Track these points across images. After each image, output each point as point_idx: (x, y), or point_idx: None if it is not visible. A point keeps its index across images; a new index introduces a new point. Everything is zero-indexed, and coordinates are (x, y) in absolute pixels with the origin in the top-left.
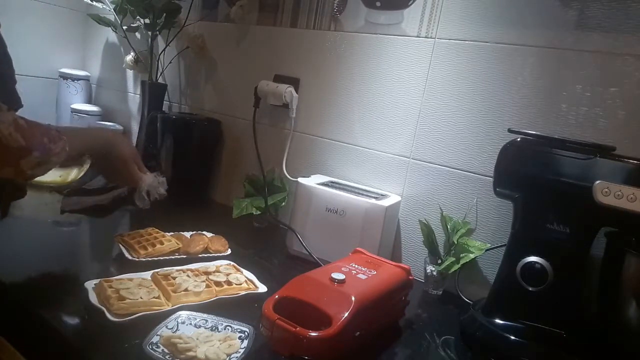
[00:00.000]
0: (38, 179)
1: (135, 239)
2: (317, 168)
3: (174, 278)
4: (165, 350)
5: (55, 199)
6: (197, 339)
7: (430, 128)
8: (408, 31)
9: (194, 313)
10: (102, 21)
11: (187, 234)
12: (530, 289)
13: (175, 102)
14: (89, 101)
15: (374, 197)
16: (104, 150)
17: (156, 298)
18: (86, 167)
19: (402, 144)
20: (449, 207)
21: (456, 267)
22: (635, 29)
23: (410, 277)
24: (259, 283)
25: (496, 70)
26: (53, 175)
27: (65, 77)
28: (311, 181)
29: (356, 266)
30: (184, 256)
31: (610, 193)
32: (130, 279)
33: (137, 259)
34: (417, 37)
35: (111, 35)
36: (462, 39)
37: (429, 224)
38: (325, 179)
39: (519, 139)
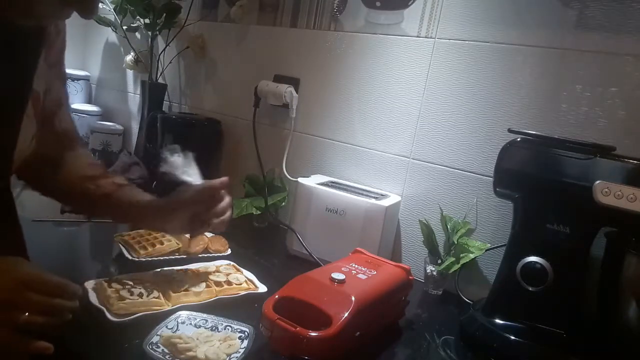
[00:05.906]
0: None
1: (135, 239)
2: (317, 168)
3: (174, 278)
4: (165, 350)
5: None
6: (197, 339)
7: (430, 128)
8: (408, 31)
9: (194, 313)
10: (102, 21)
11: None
12: (530, 289)
13: (175, 102)
14: (89, 101)
15: (374, 197)
16: None
17: (156, 298)
18: None
19: (402, 144)
20: (449, 207)
21: (456, 267)
22: (636, 29)
23: (410, 277)
24: (259, 283)
25: (496, 70)
26: None
27: None
28: (311, 181)
29: (356, 266)
30: (184, 256)
31: (610, 193)
32: (130, 279)
33: (137, 259)
34: (417, 37)
35: (111, 35)
36: (462, 39)
37: (429, 224)
38: (325, 179)
39: (519, 139)
